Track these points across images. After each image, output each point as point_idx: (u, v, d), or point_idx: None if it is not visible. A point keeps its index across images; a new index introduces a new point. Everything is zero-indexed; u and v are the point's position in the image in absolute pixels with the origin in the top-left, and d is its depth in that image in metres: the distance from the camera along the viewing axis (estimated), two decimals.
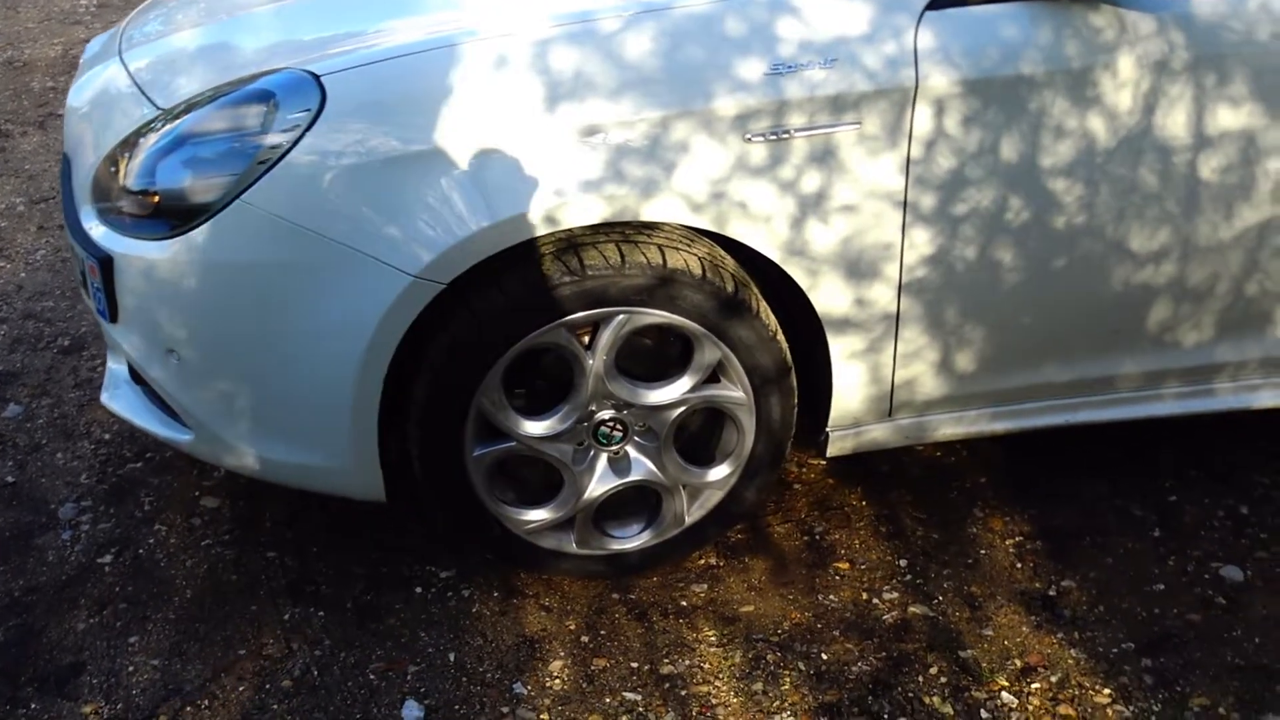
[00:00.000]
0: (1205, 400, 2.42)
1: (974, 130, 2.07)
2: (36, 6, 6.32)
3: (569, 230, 2.06)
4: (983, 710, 2.06)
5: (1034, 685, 2.10)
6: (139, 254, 2.12)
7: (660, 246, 2.10)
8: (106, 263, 2.15)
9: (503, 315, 2.07)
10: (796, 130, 2.03)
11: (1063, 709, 2.05)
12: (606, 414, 2.21)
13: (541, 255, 2.06)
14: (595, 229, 2.08)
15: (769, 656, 2.19)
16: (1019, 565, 2.38)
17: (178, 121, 2.12)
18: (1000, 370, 2.31)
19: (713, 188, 2.03)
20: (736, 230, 2.07)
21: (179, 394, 2.21)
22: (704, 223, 2.06)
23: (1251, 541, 2.41)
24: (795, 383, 2.27)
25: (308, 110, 2.02)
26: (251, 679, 2.17)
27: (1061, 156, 2.10)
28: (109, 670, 2.19)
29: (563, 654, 2.22)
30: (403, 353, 2.10)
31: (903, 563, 2.40)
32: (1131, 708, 2.05)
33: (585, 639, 2.25)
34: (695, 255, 2.12)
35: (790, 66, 2.01)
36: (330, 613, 2.31)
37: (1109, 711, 2.04)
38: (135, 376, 2.36)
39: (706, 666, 2.18)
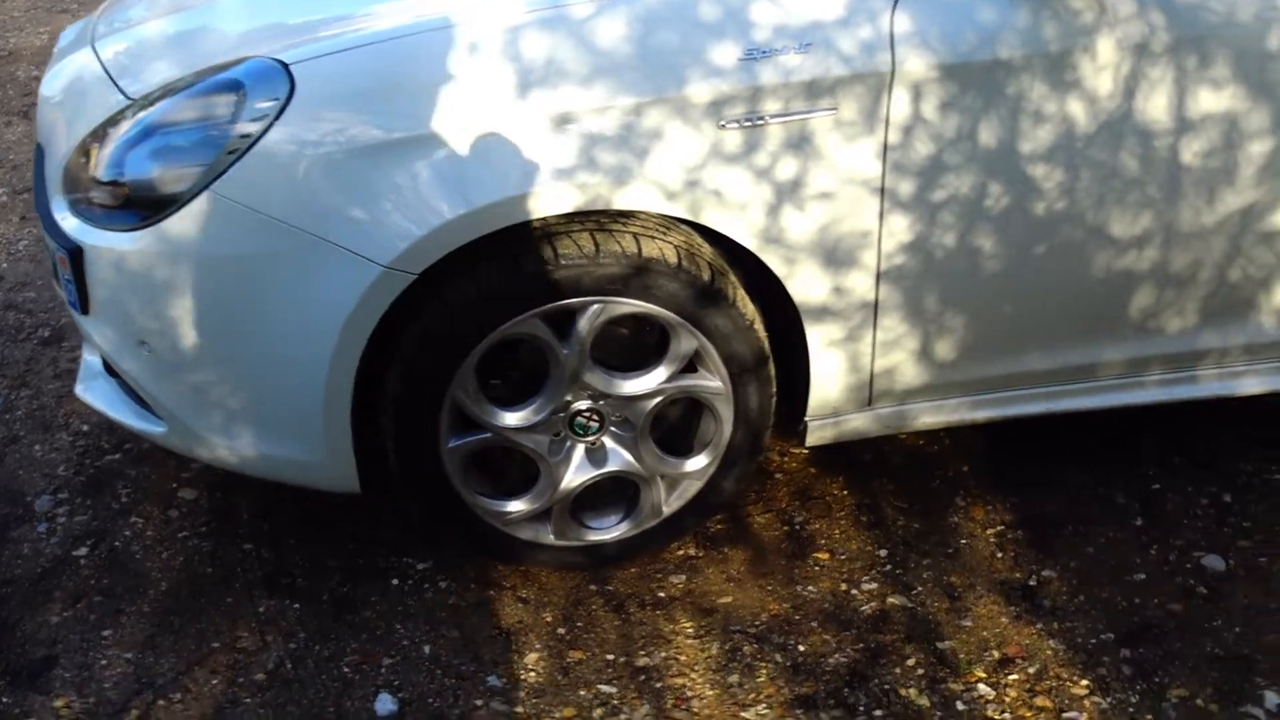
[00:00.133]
0: (1189, 387, 2.40)
1: (952, 115, 2.04)
2: None
3: (542, 219, 2.03)
4: (959, 702, 2.04)
5: (1011, 677, 2.09)
6: (109, 245, 2.09)
7: (635, 235, 2.07)
8: (77, 254, 2.13)
9: (475, 305, 2.05)
10: (771, 116, 2.00)
11: (1039, 700, 2.04)
12: (583, 404, 2.19)
13: (514, 244, 2.04)
14: (569, 218, 2.06)
15: (746, 648, 2.18)
16: (1000, 555, 2.36)
17: (147, 111, 2.09)
18: (981, 358, 2.28)
19: (687, 175, 2.01)
20: (711, 218, 2.05)
21: (151, 386, 2.19)
22: (678, 211, 2.04)
23: (1234, 530, 2.39)
24: (773, 372, 2.24)
25: (276, 99, 1.99)
26: (225, 672, 2.16)
27: (1041, 142, 2.08)
28: (82, 664, 2.17)
29: (539, 646, 2.20)
30: (376, 343, 2.08)
31: (883, 553, 2.38)
32: (1109, 699, 2.03)
33: (562, 630, 2.23)
34: (671, 244, 2.09)
35: (765, 52, 1.99)
36: (306, 605, 2.30)
37: (1086, 703, 2.02)
38: (109, 368, 2.34)
39: (683, 658, 2.16)
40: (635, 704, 2.07)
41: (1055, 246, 2.17)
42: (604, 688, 2.11)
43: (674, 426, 2.32)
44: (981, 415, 2.37)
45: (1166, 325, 2.30)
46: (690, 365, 2.20)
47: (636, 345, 2.21)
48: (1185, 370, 2.38)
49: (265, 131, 1.98)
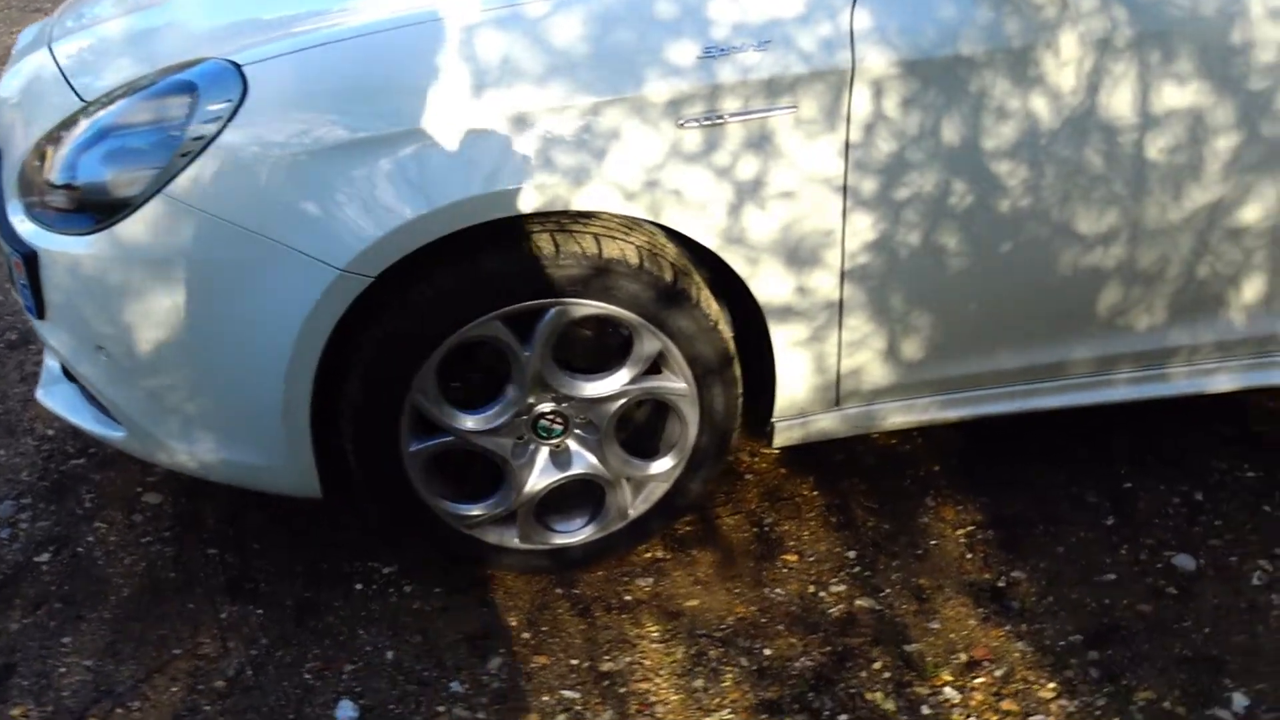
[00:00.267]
0: (1159, 385, 2.38)
1: (914, 113, 2.02)
2: None
3: (500, 220, 2.00)
4: (925, 706, 2.02)
5: (978, 680, 2.07)
6: (63, 249, 2.07)
7: (596, 236, 2.05)
8: (31, 258, 2.10)
9: (433, 308, 2.03)
10: (731, 115, 1.98)
11: (1006, 704, 2.02)
12: (546, 407, 2.17)
13: (472, 246, 2.01)
14: (528, 219, 2.03)
15: (711, 652, 2.16)
16: (969, 556, 2.34)
17: (101, 113, 2.07)
18: (949, 357, 2.26)
19: (646, 175, 1.98)
20: (671, 218, 2.02)
21: (109, 391, 2.17)
22: (638, 211, 2.01)
23: (1205, 529, 2.37)
24: (739, 373, 2.22)
25: (229, 101, 1.97)
26: (185, 679, 2.13)
27: (1004, 138, 2.05)
28: (40, 672, 2.15)
29: (502, 651, 2.18)
30: (337, 346, 2.06)
31: (851, 554, 2.36)
32: (1076, 702, 2.01)
33: (526, 635, 2.21)
34: (633, 244, 2.07)
35: (723, 49, 1.96)
36: (269, 610, 2.28)
37: (1052, 706, 2.01)
38: (68, 373, 2.32)
39: (647, 663, 2.14)
40: (598, 709, 2.05)
41: (1021, 244, 2.14)
42: (567, 693, 2.09)
43: (640, 429, 2.30)
44: (951, 415, 2.35)
45: (1135, 323, 2.28)
46: (655, 367, 2.18)
47: (601, 347, 2.19)
48: (1156, 368, 2.36)
49: (218, 134, 1.96)
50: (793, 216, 2.05)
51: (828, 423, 2.30)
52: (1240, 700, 2.01)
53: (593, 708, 2.06)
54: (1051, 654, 2.11)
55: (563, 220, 2.06)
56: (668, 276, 2.08)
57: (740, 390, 2.24)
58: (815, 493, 2.53)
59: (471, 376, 2.16)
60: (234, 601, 2.30)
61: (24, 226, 2.13)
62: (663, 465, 2.26)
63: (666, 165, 1.98)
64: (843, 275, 2.12)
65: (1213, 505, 2.43)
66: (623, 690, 2.09)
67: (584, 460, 2.22)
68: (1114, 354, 2.32)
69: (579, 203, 1.99)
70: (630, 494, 2.28)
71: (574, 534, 2.30)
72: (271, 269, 1.97)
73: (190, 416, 2.13)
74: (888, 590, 2.27)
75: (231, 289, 2.01)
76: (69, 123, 2.11)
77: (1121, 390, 2.37)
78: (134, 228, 2.00)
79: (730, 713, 2.03)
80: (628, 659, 2.15)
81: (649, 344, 2.13)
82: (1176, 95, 2.06)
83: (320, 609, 2.28)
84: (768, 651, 2.15)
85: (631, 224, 2.10)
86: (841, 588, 2.28)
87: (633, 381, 2.16)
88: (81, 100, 2.14)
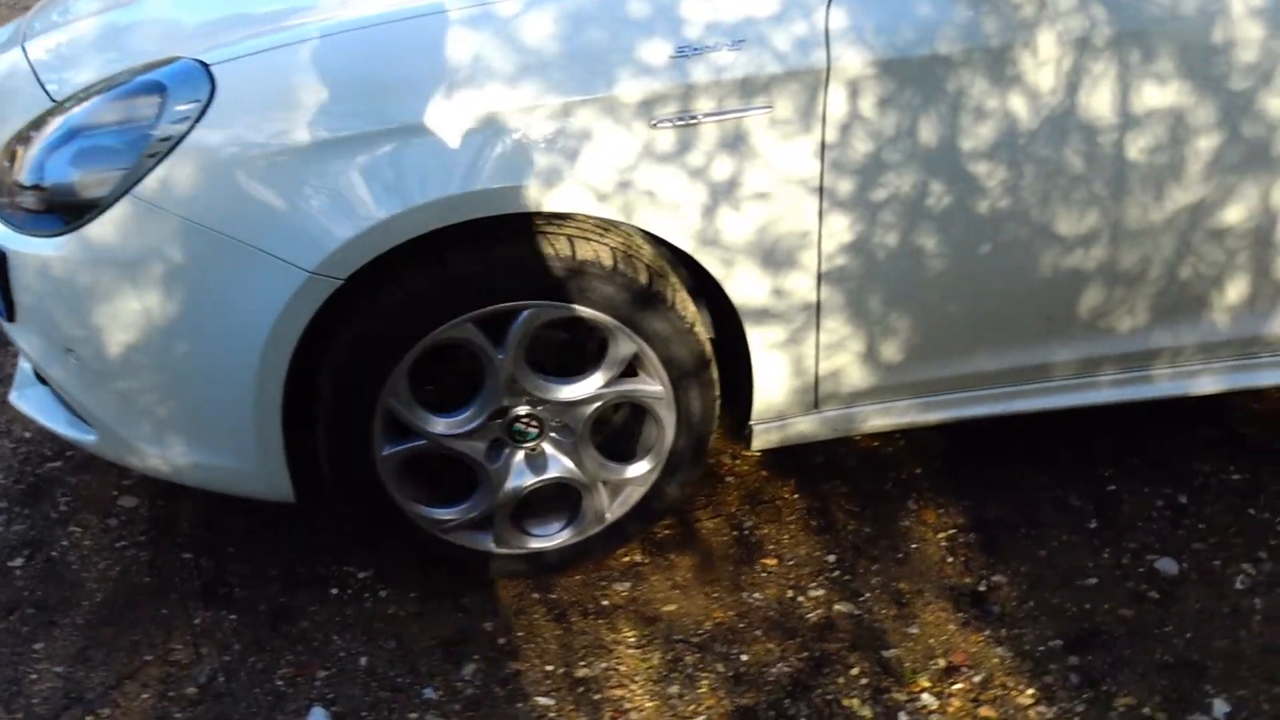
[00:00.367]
0: (1142, 387, 2.35)
1: (890, 113, 1.99)
2: None
3: (470, 221, 1.98)
4: (902, 713, 2.00)
5: (956, 686, 2.04)
6: (33, 251, 2.05)
7: (570, 237, 2.03)
8: (1, 260, 2.08)
9: (404, 311, 2.00)
10: (705, 115, 1.95)
11: (984, 710, 1.99)
12: (521, 410, 2.14)
13: (442, 248, 1.99)
14: (500, 220, 2.01)
15: (688, 658, 2.13)
16: (950, 560, 2.32)
17: (71, 113, 2.04)
18: (929, 360, 2.24)
19: (619, 176, 1.96)
20: (644, 220, 2.00)
21: (79, 394, 2.15)
22: (611, 213, 1.99)
23: (1189, 532, 2.34)
24: (716, 375, 2.20)
25: (197, 101, 1.95)
26: (156, 686, 2.11)
27: (983, 139, 2.03)
28: (10, 679, 2.13)
29: (477, 657, 2.16)
30: (309, 349, 2.03)
31: (831, 558, 2.33)
32: (1054, 708, 1.99)
33: (502, 640, 2.19)
34: (607, 246, 2.05)
35: (696, 49, 1.94)
36: (242, 615, 2.25)
37: (1031, 713, 1.98)
38: (40, 375, 2.30)
39: (623, 669, 2.12)
40: (573, 716, 2.03)
41: (1000, 245, 2.12)
42: (541, 700, 2.07)
43: (617, 432, 2.28)
44: (932, 417, 2.33)
45: (1118, 325, 2.25)
46: (631, 369, 2.16)
47: (576, 350, 2.16)
48: (1139, 370, 2.33)
49: (186, 134, 1.94)
50: (768, 218, 2.03)
51: (807, 425, 2.28)
52: (1221, 706, 1.99)
53: (567, 714, 2.04)
54: (1031, 659, 2.09)
55: (536, 222, 2.04)
56: (642, 278, 2.05)
57: (717, 393, 2.22)
58: (796, 495, 2.50)
59: (445, 379, 2.14)
60: (208, 606, 2.28)
61: None
62: (639, 469, 2.24)
63: (639, 166, 1.96)
64: (819, 277, 2.09)
65: (1196, 508, 2.40)
66: (597, 696, 2.07)
67: (560, 464, 2.20)
68: (1096, 356, 2.29)
69: (551, 204, 1.96)
70: (607, 498, 2.26)
71: (551, 538, 2.28)
72: (240, 271, 1.95)
73: (161, 420, 2.11)
74: (867, 594, 2.25)
75: (200, 291, 1.99)
76: (39, 123, 2.08)
77: (1104, 392, 2.35)
78: (102, 229, 1.98)
79: (705, 719, 2.01)
80: (603, 665, 2.13)
81: (624, 346, 2.11)
82: (1157, 95, 2.04)
83: (295, 614, 2.26)
84: (745, 657, 2.13)
85: (607, 225, 2.07)
86: (820, 592, 2.26)
87: (608, 384, 2.14)
88: (52, 100, 2.12)
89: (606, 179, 1.95)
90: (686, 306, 2.13)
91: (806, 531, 2.41)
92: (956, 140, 2.02)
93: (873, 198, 2.04)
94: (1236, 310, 2.26)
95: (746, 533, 2.41)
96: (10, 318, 2.14)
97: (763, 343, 2.14)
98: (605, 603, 2.27)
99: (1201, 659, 2.07)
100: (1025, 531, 2.37)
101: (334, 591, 2.30)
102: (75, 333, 2.07)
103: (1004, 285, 2.17)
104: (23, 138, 2.09)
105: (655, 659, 2.14)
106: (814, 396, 2.23)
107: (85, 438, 2.23)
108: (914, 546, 2.35)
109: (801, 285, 2.09)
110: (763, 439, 2.28)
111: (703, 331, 2.16)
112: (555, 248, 2.01)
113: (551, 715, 2.04)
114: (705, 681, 2.09)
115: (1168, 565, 2.27)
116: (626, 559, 2.36)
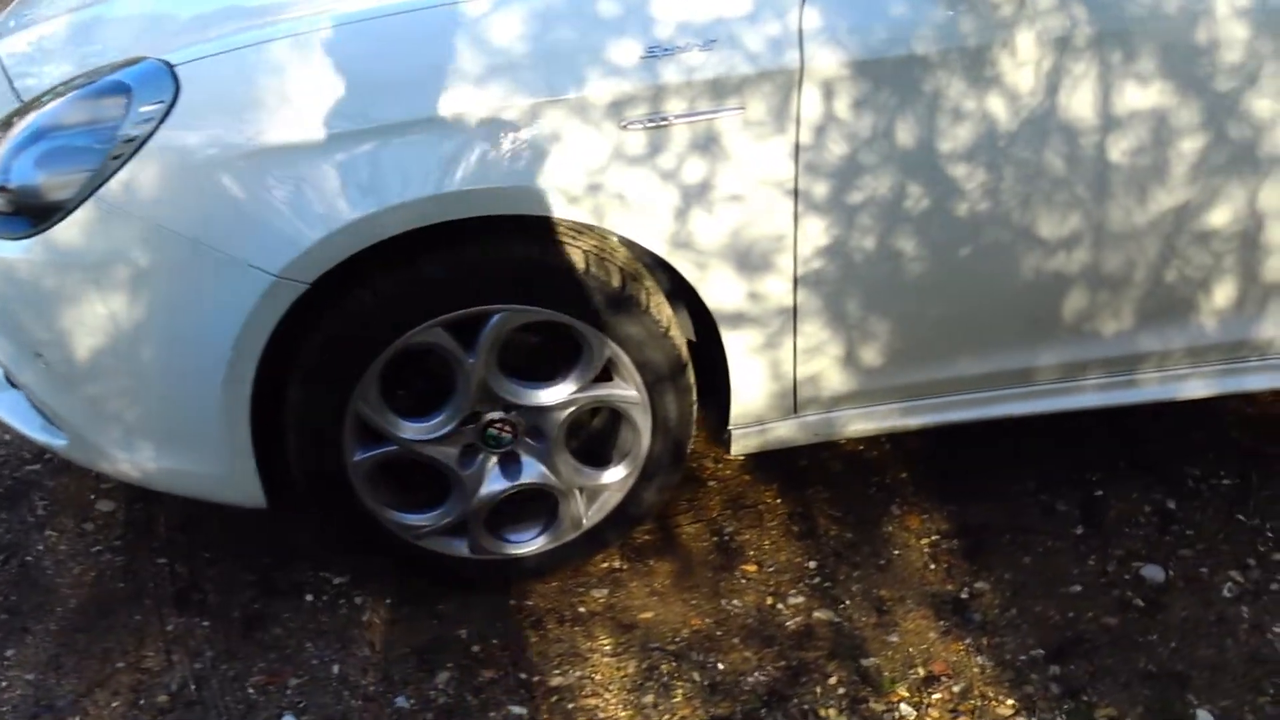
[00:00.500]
0: (1129, 391, 2.31)
1: (866, 114, 1.96)
2: None
3: (439, 224, 1.95)
4: None
5: (935, 695, 2.01)
6: (0, 254, 2.03)
7: (541, 240, 1.99)
8: None
9: (374, 315, 1.98)
10: (676, 116, 1.92)
11: None
12: (495, 415, 2.12)
13: (412, 251, 1.96)
14: (469, 223, 1.98)
15: (664, 666, 2.10)
16: (932, 566, 2.28)
17: (35, 115, 2.02)
18: (910, 364, 2.20)
19: (589, 179, 1.93)
20: (616, 223, 1.97)
21: (49, 398, 2.13)
22: (581, 215, 1.96)
23: (1176, 539, 2.31)
24: (693, 379, 2.17)
25: (162, 102, 1.92)
26: (127, 693, 2.09)
27: (961, 140, 1.99)
28: None
29: (451, 665, 2.13)
30: (278, 352, 2.01)
31: (812, 564, 2.30)
32: (1034, 719, 1.95)
33: (476, 648, 2.16)
34: (579, 249, 2.01)
35: (667, 49, 1.90)
36: (215, 622, 2.23)
37: None
38: (11, 380, 2.28)
39: (598, 677, 2.09)
40: None
41: (981, 248, 2.08)
42: (515, 709, 2.04)
43: (594, 436, 2.25)
44: (914, 422, 2.29)
45: (1103, 328, 2.21)
46: (606, 374, 2.13)
47: (551, 353, 2.13)
48: (1125, 374, 2.29)
49: (150, 136, 1.91)
50: (742, 220, 1.99)
51: (786, 430, 2.25)
52: (1205, 717, 1.95)
53: None
54: (1012, 669, 2.05)
55: (506, 225, 2.00)
56: (615, 282, 2.02)
57: (694, 398, 2.19)
58: (779, 500, 2.47)
59: (416, 384, 2.11)
60: (181, 613, 2.25)
61: None
62: (615, 474, 2.21)
63: (610, 168, 1.93)
64: (796, 281, 2.06)
65: (1185, 514, 2.37)
66: (571, 706, 2.04)
67: (534, 469, 2.17)
68: (1082, 360, 2.26)
69: (520, 207, 1.93)
70: (584, 503, 2.23)
71: (527, 544, 2.25)
72: (205, 275, 1.93)
73: (130, 424, 2.08)
74: (847, 602, 2.22)
75: (167, 294, 1.96)
76: (5, 123, 2.06)
77: (1091, 396, 2.31)
78: (68, 232, 1.96)
79: None
80: (578, 673, 2.10)
81: (598, 350, 2.08)
82: (1139, 96, 2.00)
83: (268, 620, 2.23)
84: (721, 666, 2.10)
85: (579, 228, 2.04)
86: (800, 599, 2.23)
87: (582, 389, 2.11)
88: (19, 100, 2.10)
89: (577, 181, 1.92)
90: (662, 310, 2.10)
91: (788, 537, 2.38)
92: (934, 142, 1.99)
93: (849, 200, 2.01)
94: (1223, 313, 2.22)
95: (727, 538, 2.38)
96: None
97: (739, 347, 2.11)
98: (582, 610, 2.24)
99: (1186, 668, 2.04)
100: (1010, 537, 2.34)
101: (309, 598, 2.28)
102: (43, 336, 2.04)
103: (985, 289, 2.14)
104: None
105: (630, 667, 2.11)
106: (793, 401, 2.20)
107: (57, 442, 2.21)
108: (896, 553, 2.32)
109: (777, 289, 2.06)
110: (741, 444, 2.24)
111: (679, 335, 2.13)
112: (526, 251, 1.98)
113: None
114: (680, 690, 2.06)
115: (1154, 572, 2.23)
116: (605, 565, 2.33)
